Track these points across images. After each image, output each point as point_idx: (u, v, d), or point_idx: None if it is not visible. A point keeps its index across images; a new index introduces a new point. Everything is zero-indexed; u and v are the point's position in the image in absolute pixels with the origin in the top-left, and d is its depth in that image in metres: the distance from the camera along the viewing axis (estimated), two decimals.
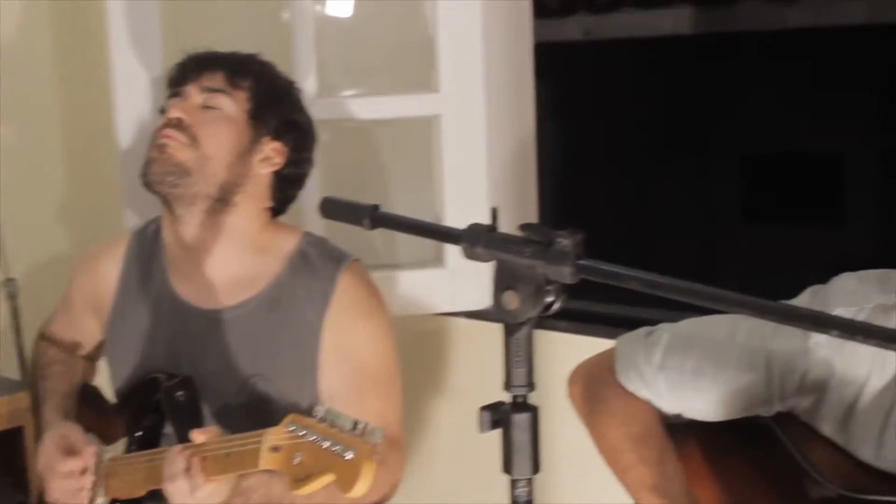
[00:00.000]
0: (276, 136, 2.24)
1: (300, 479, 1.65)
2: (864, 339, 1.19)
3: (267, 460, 1.74)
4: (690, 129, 9.48)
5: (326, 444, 1.63)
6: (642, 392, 1.77)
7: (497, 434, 1.37)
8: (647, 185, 9.55)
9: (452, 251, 2.96)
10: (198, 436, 1.90)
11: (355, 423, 1.63)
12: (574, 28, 8.50)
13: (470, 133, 2.98)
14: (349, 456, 1.59)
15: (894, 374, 1.54)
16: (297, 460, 1.66)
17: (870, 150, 8.69)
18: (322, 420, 1.67)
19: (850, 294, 1.61)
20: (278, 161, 2.25)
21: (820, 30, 7.41)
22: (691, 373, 1.71)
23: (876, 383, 1.56)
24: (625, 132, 9.42)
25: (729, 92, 9.04)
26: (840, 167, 8.99)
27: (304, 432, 1.67)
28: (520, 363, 1.35)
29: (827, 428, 1.63)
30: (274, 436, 1.73)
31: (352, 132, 3.03)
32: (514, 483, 1.36)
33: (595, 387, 1.84)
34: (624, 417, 1.79)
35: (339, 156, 2.89)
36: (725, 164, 9.54)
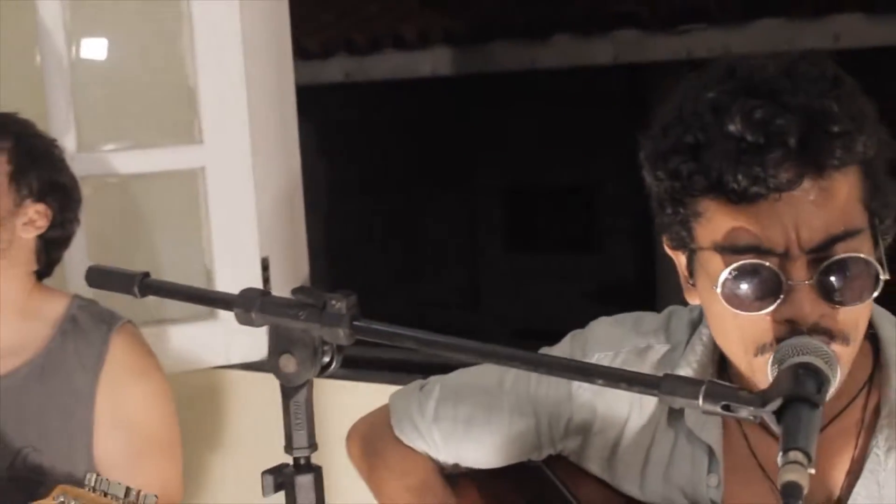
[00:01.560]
0: (39, 199, 2.20)
1: None
2: (627, 387, 1.27)
3: None
4: (453, 165, 9.70)
5: None
6: (418, 444, 1.80)
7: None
8: (413, 220, 9.72)
9: None
10: None
11: (128, 490, 1.61)
12: (335, 70, 8.59)
13: (237, 183, 2.98)
14: None
15: (651, 412, 1.63)
16: None
17: (620, 181, 9.11)
18: (93, 489, 1.64)
19: (606, 339, 1.67)
20: (42, 224, 2.20)
21: (570, 69, 7.73)
22: (464, 423, 1.75)
23: (635, 422, 1.63)
24: (389, 170, 9.57)
25: (488, 129, 9.32)
26: (594, 198, 9.38)
27: (73, 503, 1.64)
28: (300, 426, 1.36)
29: (594, 467, 1.69)
30: None
31: (116, 186, 2.99)
32: None
33: (372, 443, 1.86)
34: (402, 471, 1.81)
35: (103, 212, 2.85)
36: (487, 198, 9.80)
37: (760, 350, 1.38)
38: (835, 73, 1.38)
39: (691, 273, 1.47)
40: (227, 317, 2.87)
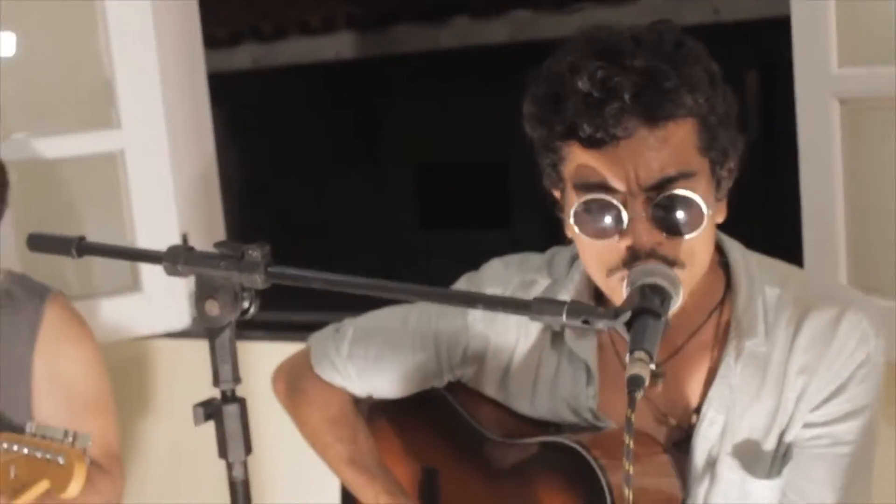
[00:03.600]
0: None
1: (17, 491, 1.76)
2: (503, 310, 1.50)
3: None
4: (363, 146, 9.78)
5: (39, 454, 1.75)
6: (336, 380, 2.01)
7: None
8: (325, 201, 9.77)
9: (148, 276, 3.07)
10: None
11: (65, 432, 1.76)
12: (244, 57, 8.67)
13: (154, 164, 3.12)
14: (61, 460, 1.73)
15: (536, 337, 1.85)
16: (12, 474, 1.77)
17: (527, 156, 9.27)
18: (33, 435, 1.78)
19: (497, 277, 1.90)
20: None
21: (469, 49, 7.91)
22: (374, 358, 1.96)
23: (523, 347, 1.86)
24: (300, 153, 9.61)
25: (395, 109, 9.41)
26: (505, 174, 9.51)
27: (16, 447, 1.78)
28: (225, 361, 1.51)
29: (490, 389, 1.91)
30: None
31: (41, 171, 3.09)
32: (230, 466, 1.52)
33: (295, 380, 2.07)
34: (321, 403, 2.03)
35: (30, 195, 2.95)
36: (398, 177, 9.89)
37: (610, 271, 1.62)
38: (677, 39, 1.61)
39: (563, 209, 1.69)
40: (151, 289, 3.07)
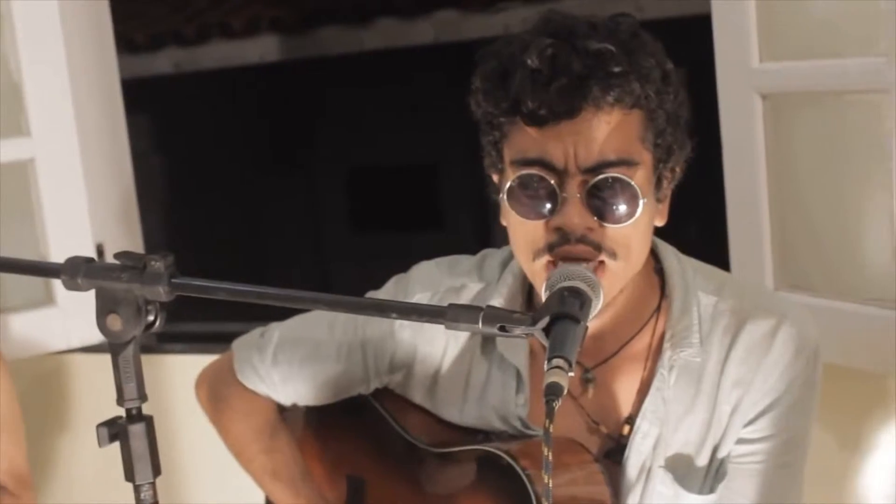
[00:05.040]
0: None
1: None
2: (418, 318, 1.44)
3: None
4: (291, 150, 9.72)
5: None
6: (260, 387, 1.94)
7: None
8: (255, 208, 9.70)
9: (62, 289, 2.96)
10: None
11: None
12: (164, 62, 8.54)
13: (67, 173, 3.04)
14: None
15: (465, 343, 1.80)
16: None
17: (457, 157, 9.28)
18: None
19: (426, 280, 1.85)
20: None
21: (395, 50, 7.88)
22: (299, 364, 1.90)
23: (452, 353, 1.81)
24: (227, 159, 9.52)
25: (322, 113, 9.36)
26: (435, 176, 9.51)
27: None
28: (129, 378, 1.46)
29: (418, 396, 1.86)
30: None
31: None
32: (137, 489, 1.46)
33: (218, 387, 2.00)
34: (245, 412, 1.97)
35: None
36: (328, 182, 9.85)
37: (536, 254, 1.58)
38: (634, 30, 1.58)
39: (500, 191, 1.64)
40: (65, 302, 2.99)
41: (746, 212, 2.41)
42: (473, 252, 1.90)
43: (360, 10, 7.94)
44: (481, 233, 8.65)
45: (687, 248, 1.78)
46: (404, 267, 1.91)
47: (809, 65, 2.29)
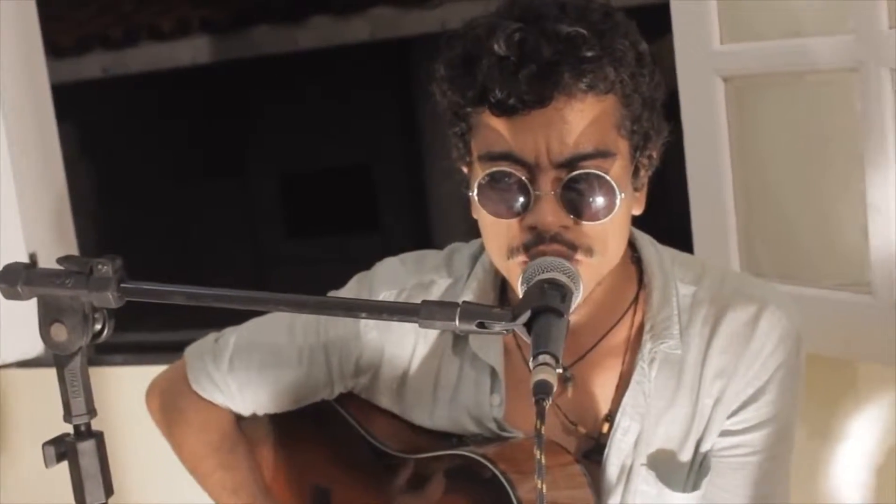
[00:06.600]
0: None
1: None
2: (389, 317, 1.35)
3: None
4: (224, 154, 9.61)
5: None
6: (216, 397, 1.83)
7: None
8: (188, 214, 9.58)
9: None
10: None
11: None
12: (92, 66, 8.37)
13: None
14: None
15: (435, 342, 1.71)
16: None
17: (393, 158, 9.23)
18: None
19: (391, 278, 1.75)
20: None
21: (331, 49, 7.80)
22: (258, 370, 1.79)
23: (421, 353, 1.72)
24: (157, 166, 9.39)
25: (256, 115, 9.27)
26: (369, 177, 9.47)
27: None
28: (77, 393, 1.37)
29: (385, 400, 1.76)
30: None
31: None
32: None
33: (172, 398, 1.88)
34: (200, 425, 1.85)
35: None
36: (265, 185, 9.76)
37: (511, 253, 1.49)
38: (606, 10, 1.49)
39: (469, 185, 1.55)
40: None
41: (710, 198, 2.36)
42: (411, 250, 1.81)
43: (294, 9, 7.85)
44: (418, 232, 8.60)
45: (652, 235, 1.70)
46: (342, 270, 1.83)
47: (772, 45, 2.23)
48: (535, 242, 1.46)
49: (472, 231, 1.58)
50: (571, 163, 1.45)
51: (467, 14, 1.56)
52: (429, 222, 8.53)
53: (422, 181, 8.68)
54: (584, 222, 1.47)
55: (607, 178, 1.45)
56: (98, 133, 8.62)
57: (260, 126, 9.32)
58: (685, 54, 2.33)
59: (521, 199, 1.46)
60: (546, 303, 1.31)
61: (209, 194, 9.50)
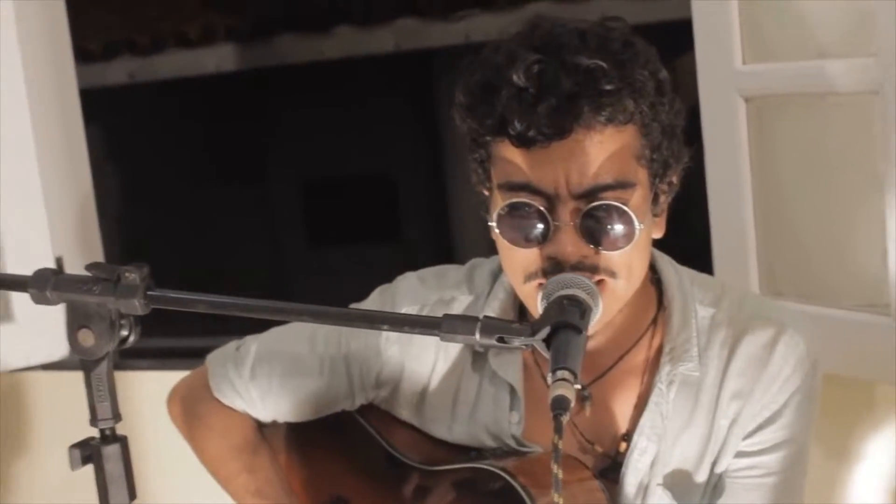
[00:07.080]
0: None
1: None
2: (410, 330, 1.38)
3: None
4: (248, 162, 9.62)
5: None
6: (237, 403, 1.86)
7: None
8: (211, 220, 9.59)
9: (20, 304, 2.92)
10: None
11: None
12: (119, 72, 8.41)
13: (24, 185, 2.97)
14: None
15: (456, 358, 1.73)
16: None
17: (416, 168, 9.23)
18: None
19: (413, 293, 1.76)
20: None
21: (354, 59, 7.82)
22: (279, 379, 1.82)
23: (441, 369, 1.74)
24: (182, 171, 9.41)
25: (279, 123, 9.28)
26: (394, 188, 9.46)
27: None
28: (103, 397, 1.39)
29: (405, 413, 1.78)
30: None
31: None
32: None
33: (193, 404, 1.91)
34: (222, 430, 1.88)
35: None
36: (287, 193, 9.76)
37: (528, 277, 1.51)
38: (626, 38, 1.49)
39: (489, 210, 1.57)
40: (24, 319, 2.90)
41: (730, 217, 2.37)
42: (432, 264, 1.83)
43: (319, 18, 7.87)
44: (440, 244, 8.60)
45: (672, 255, 1.72)
46: (362, 281, 1.84)
47: (794, 66, 2.25)
48: (555, 270, 1.47)
49: (493, 245, 1.59)
50: (591, 194, 1.46)
51: (491, 27, 1.57)
52: (450, 234, 8.53)
53: (444, 192, 8.69)
54: (605, 252, 1.48)
55: (626, 209, 1.47)
56: (123, 138, 8.65)
57: (282, 134, 9.33)
58: (707, 73, 2.35)
59: (541, 229, 1.48)
60: (565, 319, 1.33)
61: (231, 201, 9.51)
